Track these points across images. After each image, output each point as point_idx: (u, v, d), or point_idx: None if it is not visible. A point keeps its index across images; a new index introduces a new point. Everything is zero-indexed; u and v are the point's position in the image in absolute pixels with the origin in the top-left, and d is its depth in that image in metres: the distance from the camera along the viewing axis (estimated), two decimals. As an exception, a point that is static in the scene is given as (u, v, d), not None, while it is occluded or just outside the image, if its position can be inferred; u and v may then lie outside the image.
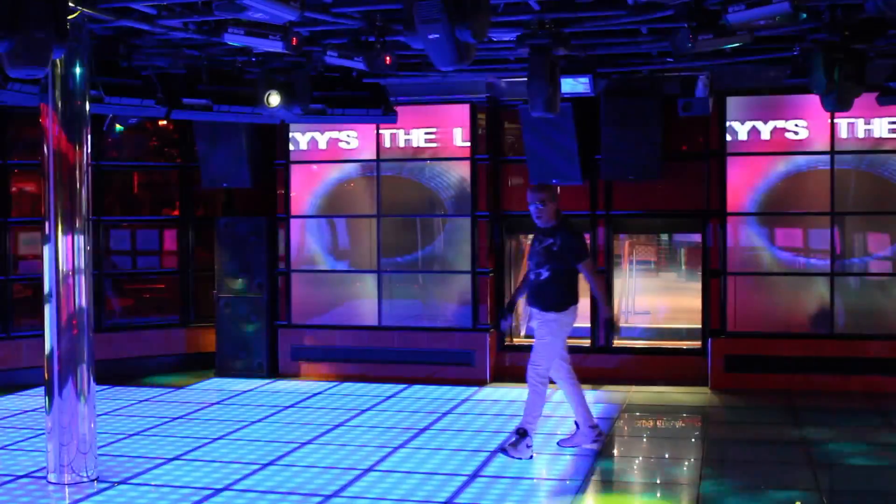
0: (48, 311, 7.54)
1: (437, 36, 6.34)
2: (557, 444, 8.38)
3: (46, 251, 7.55)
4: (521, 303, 13.41)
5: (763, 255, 11.58)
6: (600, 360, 11.91)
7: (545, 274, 7.81)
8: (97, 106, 8.41)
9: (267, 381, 12.11)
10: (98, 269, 12.03)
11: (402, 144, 12.27)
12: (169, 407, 10.48)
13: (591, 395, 11.03)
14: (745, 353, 11.31)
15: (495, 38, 8.67)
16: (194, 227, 13.21)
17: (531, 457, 7.95)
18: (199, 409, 10.35)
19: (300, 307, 12.61)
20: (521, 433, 7.94)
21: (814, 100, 9.08)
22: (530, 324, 8.07)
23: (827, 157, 11.25)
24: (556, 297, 7.87)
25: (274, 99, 9.56)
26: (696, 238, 12.41)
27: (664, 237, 17.04)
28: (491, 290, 12.09)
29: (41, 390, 7.90)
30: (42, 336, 7.61)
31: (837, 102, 8.43)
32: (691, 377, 11.49)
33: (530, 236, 8.47)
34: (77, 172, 7.52)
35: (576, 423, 8.35)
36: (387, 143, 12.27)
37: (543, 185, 8.24)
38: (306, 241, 12.70)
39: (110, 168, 12.79)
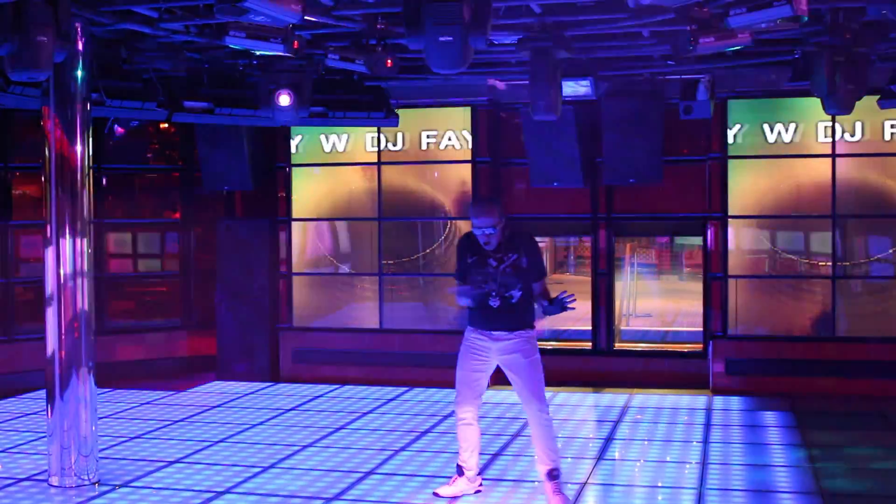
0: (49, 314, 7.55)
1: (450, 39, 6.36)
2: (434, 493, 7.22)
3: (48, 254, 7.55)
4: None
5: (764, 258, 11.58)
6: (601, 362, 11.91)
7: (517, 295, 6.76)
8: (98, 109, 8.42)
9: (268, 384, 12.11)
10: (99, 272, 12.03)
11: (403, 147, 12.27)
12: (170, 410, 10.48)
13: (591, 397, 11.06)
14: (747, 356, 11.31)
15: (497, 40, 8.66)
16: (195, 230, 13.22)
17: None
18: (200, 413, 10.35)
19: (301, 310, 12.62)
20: (556, 474, 6.89)
21: (815, 103, 9.08)
22: (504, 357, 6.82)
23: (828, 160, 11.27)
24: (531, 313, 6.91)
25: (284, 99, 9.40)
26: (698, 241, 12.41)
27: (665, 240, 17.07)
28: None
29: (43, 393, 7.90)
30: (43, 339, 7.62)
31: (839, 106, 8.42)
32: (692, 380, 11.49)
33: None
34: (78, 175, 7.53)
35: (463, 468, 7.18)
36: (388, 146, 12.28)
37: (490, 203, 6.87)
38: (308, 244, 12.70)
39: (112, 171, 12.80)
